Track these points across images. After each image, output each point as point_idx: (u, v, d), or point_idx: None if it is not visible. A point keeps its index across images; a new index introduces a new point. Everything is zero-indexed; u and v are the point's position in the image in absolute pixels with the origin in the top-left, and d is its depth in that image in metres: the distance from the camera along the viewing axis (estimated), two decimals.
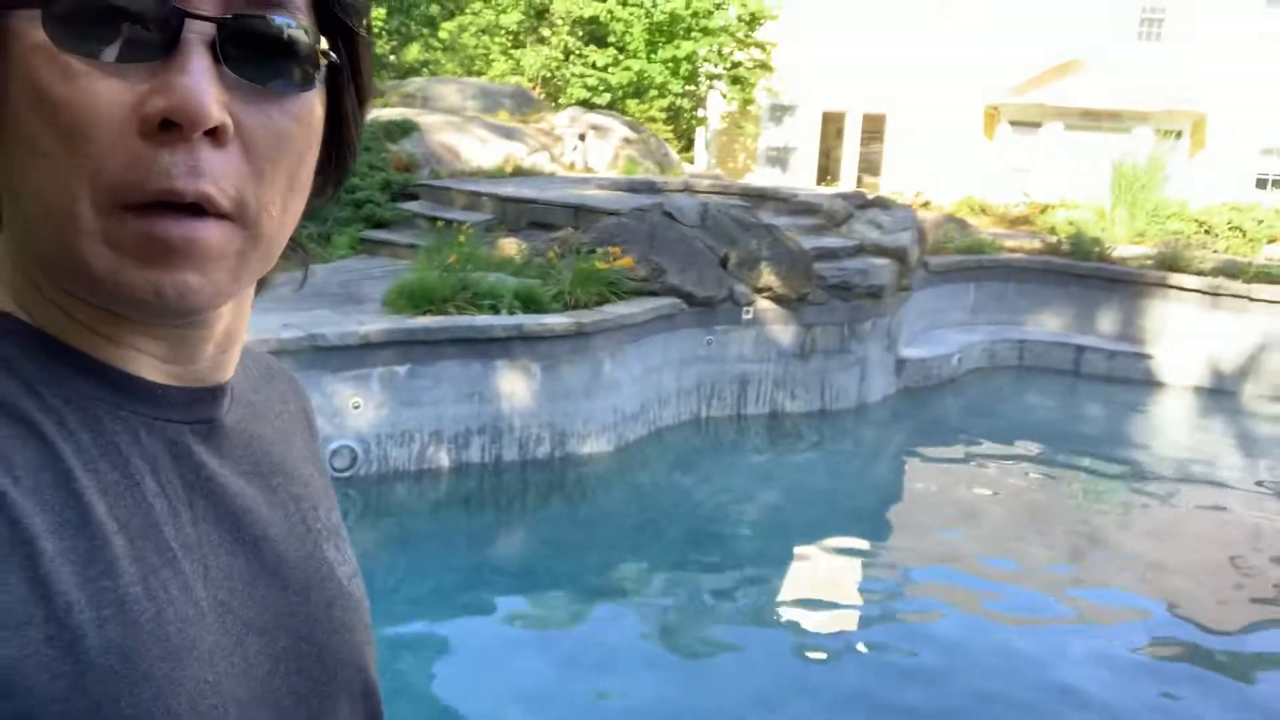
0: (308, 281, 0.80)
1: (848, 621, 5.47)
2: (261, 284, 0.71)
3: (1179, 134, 20.02)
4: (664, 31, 20.72)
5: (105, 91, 0.55)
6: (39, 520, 0.54)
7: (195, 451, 0.67)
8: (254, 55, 0.58)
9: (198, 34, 0.56)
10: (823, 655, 5.03)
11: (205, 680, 0.60)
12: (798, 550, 6.38)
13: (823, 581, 5.93)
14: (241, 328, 0.71)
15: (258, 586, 0.68)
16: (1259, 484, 8.28)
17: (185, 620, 0.60)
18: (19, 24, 0.56)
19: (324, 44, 0.62)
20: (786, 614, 5.51)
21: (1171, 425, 10.09)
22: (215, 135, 0.57)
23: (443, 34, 26.06)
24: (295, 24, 0.60)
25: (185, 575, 0.62)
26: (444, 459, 6.50)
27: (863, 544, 6.57)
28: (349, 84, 0.66)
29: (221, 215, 0.58)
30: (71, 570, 0.55)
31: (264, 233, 0.61)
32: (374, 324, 6.28)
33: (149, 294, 0.58)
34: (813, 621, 5.43)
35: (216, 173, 0.57)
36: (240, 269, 0.61)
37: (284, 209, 0.63)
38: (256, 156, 0.59)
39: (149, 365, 0.65)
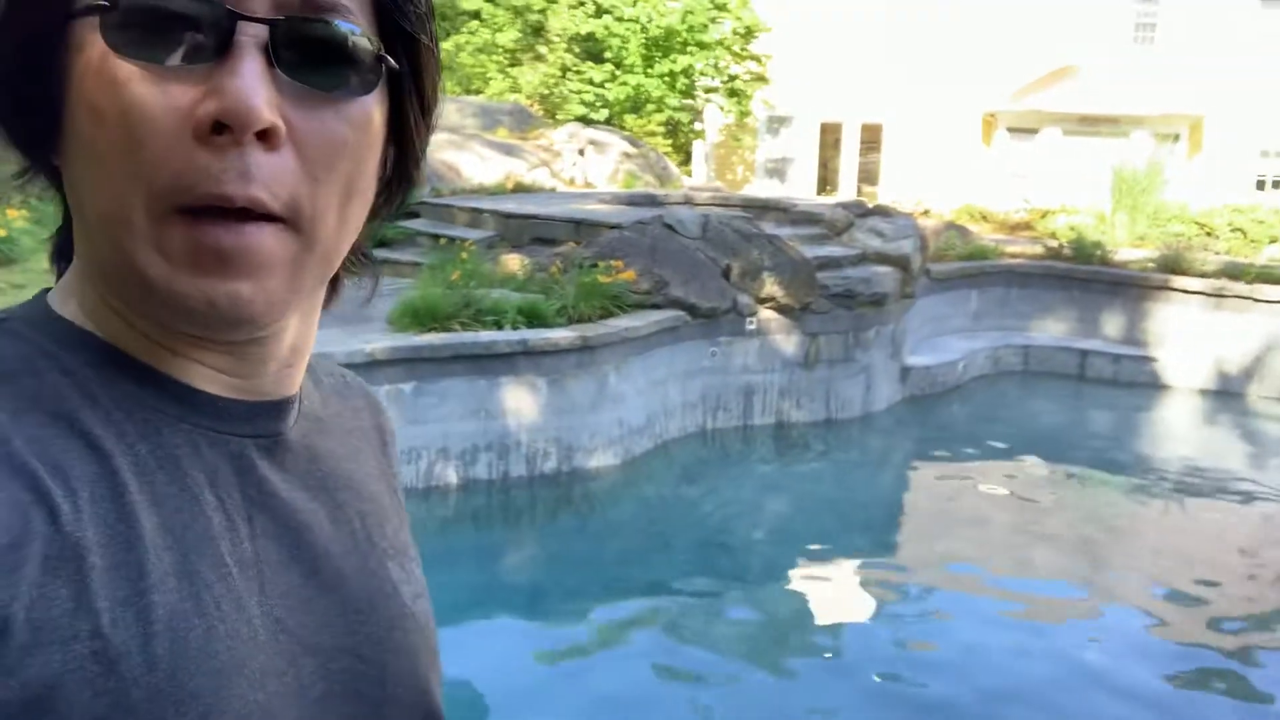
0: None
1: (858, 631, 5.45)
2: (329, 298, 0.71)
3: (1176, 137, 20.06)
4: (660, 46, 20.77)
5: (159, 96, 0.55)
6: (91, 534, 0.54)
7: (258, 466, 0.66)
8: (308, 59, 0.58)
9: (250, 37, 0.56)
10: (834, 665, 5.00)
11: (254, 700, 0.59)
12: (806, 560, 6.36)
13: (832, 591, 5.91)
14: (308, 341, 0.70)
15: (316, 605, 0.66)
16: (1266, 484, 8.25)
17: (236, 638, 0.59)
18: (79, 33, 0.57)
19: (382, 49, 0.62)
20: (796, 625, 5.49)
21: (1178, 428, 10.07)
22: (267, 138, 0.56)
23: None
24: (350, 28, 0.60)
25: (239, 591, 0.61)
26: (451, 476, 6.49)
27: (871, 553, 6.55)
28: (411, 92, 0.65)
29: (273, 217, 0.58)
30: (121, 585, 0.54)
31: (320, 238, 0.61)
32: (379, 342, 6.28)
33: (202, 304, 0.58)
34: (823, 632, 5.41)
35: (267, 176, 0.57)
36: (297, 277, 0.60)
37: (342, 216, 0.62)
38: (311, 161, 0.59)
39: (212, 378, 0.64)
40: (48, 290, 0.66)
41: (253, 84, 0.55)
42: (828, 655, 5.12)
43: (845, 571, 6.20)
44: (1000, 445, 8.87)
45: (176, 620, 0.56)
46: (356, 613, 0.69)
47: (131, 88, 0.55)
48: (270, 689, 0.60)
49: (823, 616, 5.58)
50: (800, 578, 6.14)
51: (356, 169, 0.62)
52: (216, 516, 0.61)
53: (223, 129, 0.55)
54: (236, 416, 0.65)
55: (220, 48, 0.56)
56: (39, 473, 0.54)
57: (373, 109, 0.62)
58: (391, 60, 0.62)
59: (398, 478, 0.85)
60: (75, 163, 0.59)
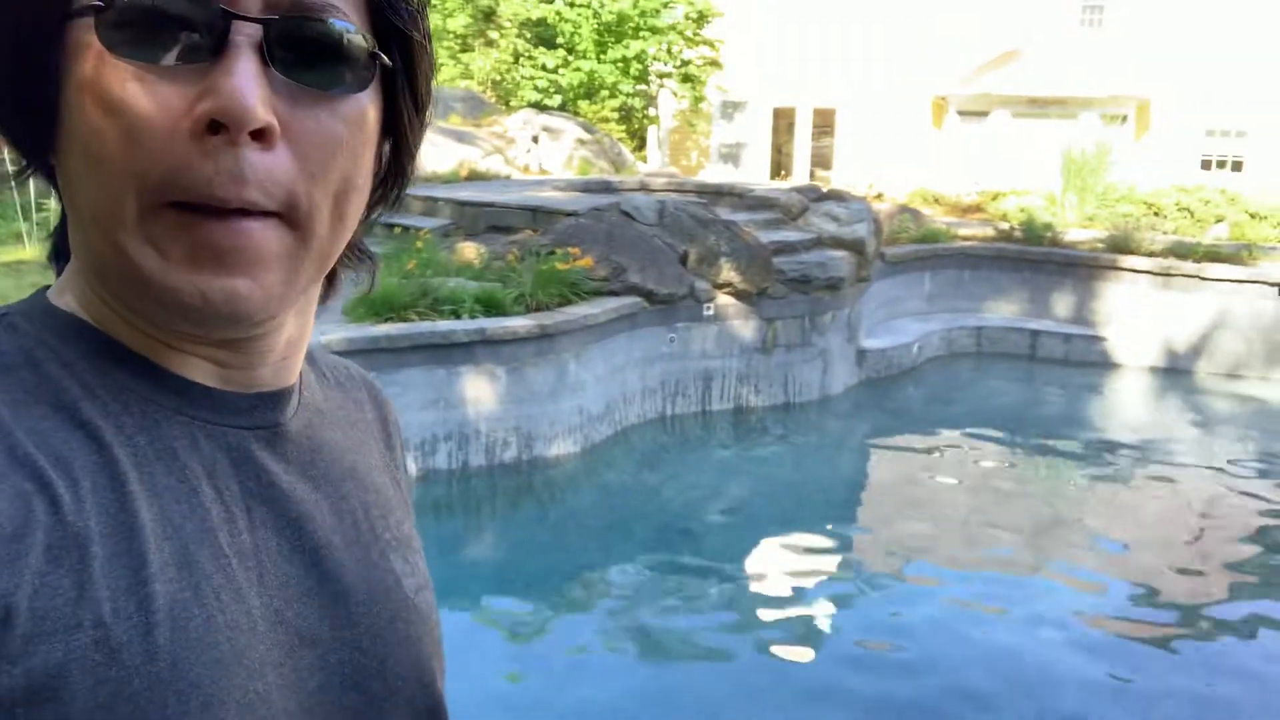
0: None
1: (820, 613, 5.50)
2: (326, 292, 0.72)
3: (1124, 118, 20.34)
4: (613, 31, 20.71)
5: (155, 95, 0.56)
6: (93, 524, 0.55)
7: (257, 457, 0.66)
8: (302, 57, 0.59)
9: (245, 36, 0.57)
10: (796, 648, 5.04)
11: (254, 691, 0.59)
12: (767, 543, 6.40)
13: (793, 573, 5.95)
14: (305, 334, 0.70)
15: (315, 596, 0.67)
16: (1216, 460, 8.42)
17: (236, 628, 0.60)
18: (76, 33, 0.58)
19: (375, 47, 0.62)
20: (759, 608, 5.53)
21: (1129, 406, 10.24)
22: (262, 137, 0.57)
23: None
24: (344, 26, 0.60)
25: (238, 582, 0.61)
26: (410, 467, 6.43)
27: (831, 535, 6.60)
28: (405, 88, 0.66)
29: (269, 213, 0.58)
30: (122, 574, 0.55)
31: (317, 234, 0.61)
32: (335, 333, 6.22)
33: (196, 299, 0.58)
34: (785, 614, 5.45)
35: (262, 175, 0.57)
36: (293, 272, 0.61)
37: (338, 212, 0.62)
38: (306, 158, 0.59)
39: (208, 371, 0.65)
40: (46, 287, 0.67)
41: (247, 83, 0.56)
42: (790, 636, 5.16)
43: (806, 554, 6.25)
44: (956, 426, 8.97)
45: (177, 610, 0.57)
46: (357, 604, 0.69)
47: (127, 87, 0.56)
48: (269, 680, 0.61)
49: (785, 600, 5.62)
50: (761, 561, 6.18)
51: (352, 165, 0.62)
52: (215, 508, 0.62)
53: (218, 128, 0.56)
54: (234, 409, 0.66)
55: (215, 47, 0.57)
56: (41, 463, 0.55)
57: (367, 105, 0.63)
58: (385, 57, 0.63)
59: (402, 469, 0.85)
60: (70, 160, 0.60)
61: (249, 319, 0.60)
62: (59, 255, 0.69)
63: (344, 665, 0.67)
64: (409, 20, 0.64)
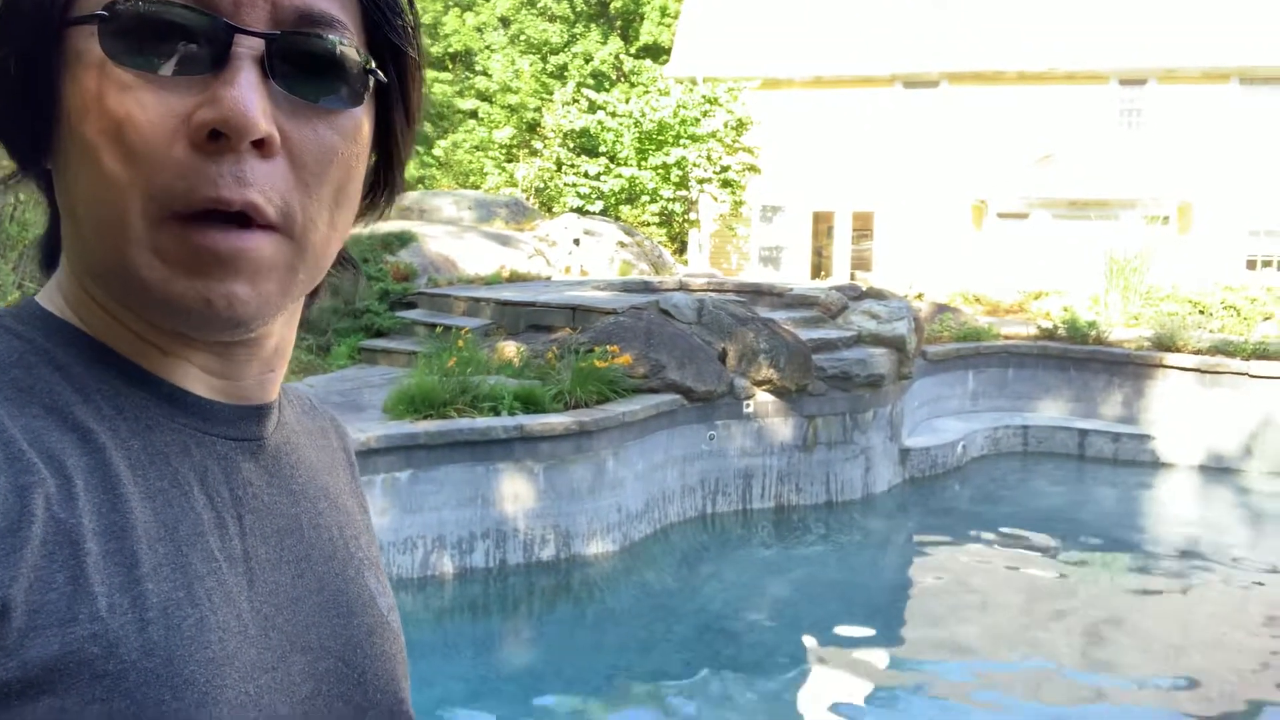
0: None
1: (865, 717, 5.33)
2: (311, 300, 0.73)
3: (1166, 219, 20.28)
4: (653, 140, 21.10)
5: (157, 104, 0.57)
6: (86, 522, 0.56)
7: (243, 468, 0.68)
8: (302, 71, 0.60)
9: (247, 49, 0.58)
10: None
11: (246, 692, 0.60)
12: (811, 645, 6.25)
13: (838, 675, 5.79)
14: (289, 345, 0.72)
15: (302, 605, 0.68)
16: (1271, 560, 8.16)
17: (227, 630, 0.60)
18: (77, 41, 0.59)
19: (372, 63, 0.64)
20: (802, 711, 5.37)
21: (1180, 506, 9.99)
22: (262, 147, 0.58)
23: (436, 151, 26.63)
24: (344, 42, 0.62)
25: (229, 586, 0.62)
26: (448, 565, 6.41)
27: (877, 636, 6.43)
28: (398, 103, 0.68)
29: (268, 225, 0.60)
30: (116, 572, 0.56)
31: (311, 244, 0.63)
32: (374, 430, 6.25)
33: (198, 304, 0.59)
34: (830, 718, 5.28)
35: (263, 182, 0.59)
36: (289, 281, 0.62)
37: (332, 222, 0.64)
38: (303, 169, 0.61)
39: (199, 379, 0.66)
40: (36, 292, 0.68)
41: (249, 95, 0.57)
42: None
43: (850, 657, 6.09)
44: (1003, 527, 8.78)
45: (170, 608, 0.57)
46: (339, 616, 0.71)
47: (129, 95, 0.57)
48: (261, 682, 0.62)
49: (828, 704, 5.46)
50: (805, 663, 6.03)
51: (346, 177, 0.64)
52: (206, 513, 0.63)
53: (219, 137, 0.57)
54: (223, 419, 0.67)
55: (217, 59, 0.58)
56: (35, 460, 0.55)
57: (362, 119, 0.65)
58: (380, 74, 0.65)
59: (363, 497, 0.87)
60: (70, 168, 0.61)
61: (246, 324, 0.61)
62: (50, 262, 0.70)
63: (331, 674, 0.68)
64: (404, 37, 0.66)
